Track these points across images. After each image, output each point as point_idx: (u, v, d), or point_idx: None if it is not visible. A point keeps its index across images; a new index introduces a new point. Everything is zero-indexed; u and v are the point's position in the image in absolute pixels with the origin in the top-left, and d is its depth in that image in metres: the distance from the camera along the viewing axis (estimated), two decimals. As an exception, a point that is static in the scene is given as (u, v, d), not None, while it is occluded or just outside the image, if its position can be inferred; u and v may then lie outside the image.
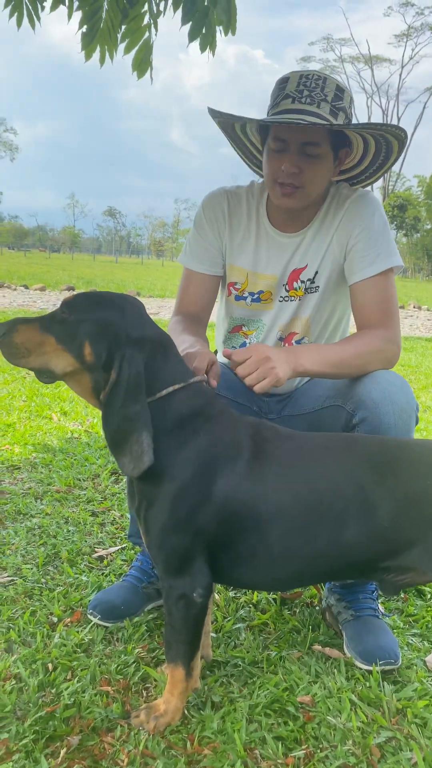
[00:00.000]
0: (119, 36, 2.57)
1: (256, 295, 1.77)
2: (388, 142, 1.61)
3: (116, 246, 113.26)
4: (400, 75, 60.66)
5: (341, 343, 1.61)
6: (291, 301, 1.75)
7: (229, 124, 1.70)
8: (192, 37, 2.55)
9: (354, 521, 1.21)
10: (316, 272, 1.71)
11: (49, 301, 11.52)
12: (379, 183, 60.00)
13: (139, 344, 1.23)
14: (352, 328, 1.73)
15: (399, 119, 59.56)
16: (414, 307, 16.49)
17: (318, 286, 1.72)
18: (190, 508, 1.22)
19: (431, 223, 60.64)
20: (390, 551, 1.23)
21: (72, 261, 42.63)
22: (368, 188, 1.71)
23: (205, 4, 2.48)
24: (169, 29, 2.56)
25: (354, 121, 1.63)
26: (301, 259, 1.72)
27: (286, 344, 1.78)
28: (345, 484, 1.23)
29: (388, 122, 1.53)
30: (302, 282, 1.72)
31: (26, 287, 14.56)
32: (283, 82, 1.58)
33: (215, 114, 1.62)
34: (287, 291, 1.75)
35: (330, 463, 1.27)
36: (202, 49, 2.56)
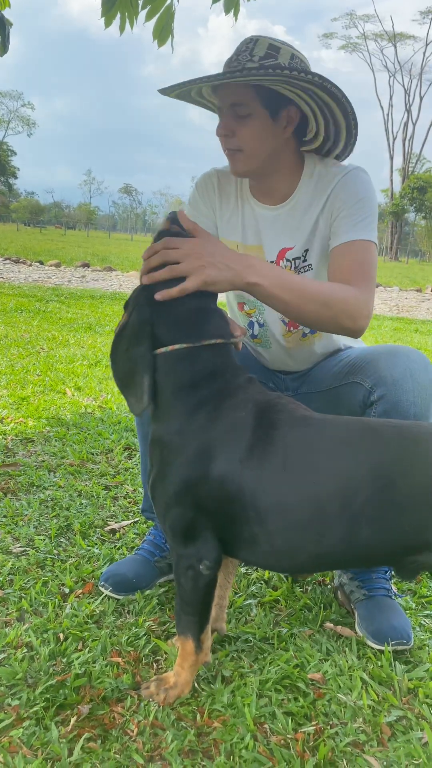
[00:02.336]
0: (140, 2, 2.51)
1: None
2: (329, 106, 1.50)
3: (132, 224, 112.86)
4: (424, 53, 59.35)
5: (302, 277, 1.53)
6: None
7: (188, 95, 1.65)
8: None
9: (370, 522, 1.12)
10: (307, 250, 1.66)
11: (63, 278, 11.52)
12: (399, 164, 59.10)
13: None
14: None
15: (422, 98, 58.45)
16: (431, 291, 16.28)
17: (310, 264, 1.67)
18: (187, 483, 1.20)
19: (451, 206, 59.68)
20: (410, 550, 1.14)
21: (87, 238, 42.54)
22: (363, 168, 1.64)
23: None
24: (190, 4, 2.49)
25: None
26: (287, 237, 1.66)
27: (292, 327, 1.74)
28: (361, 483, 1.12)
29: (318, 73, 1.39)
30: (288, 261, 1.67)
31: (41, 263, 14.55)
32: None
33: (166, 91, 1.56)
34: None
35: (344, 459, 1.16)
36: (227, 10, 2.49)
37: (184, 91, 1.60)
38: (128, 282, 11.83)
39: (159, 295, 1.26)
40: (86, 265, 14.81)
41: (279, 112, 1.53)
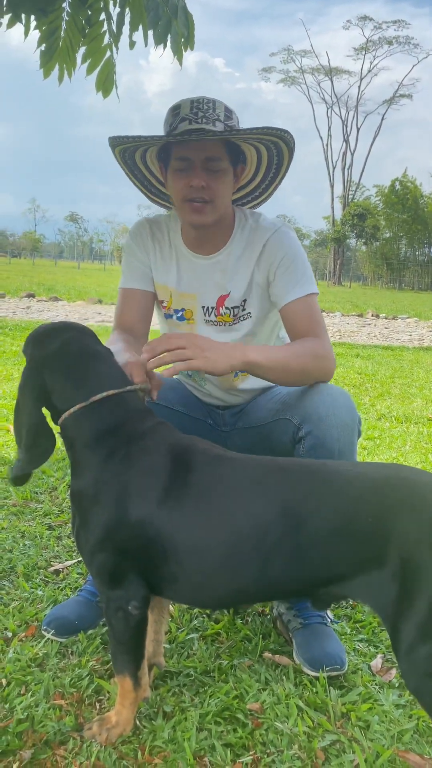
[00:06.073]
0: (78, 56, 2.59)
1: (180, 313, 1.86)
2: (279, 150, 1.71)
3: (78, 251, 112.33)
4: (359, 87, 61.79)
5: (281, 346, 1.69)
6: (219, 325, 1.82)
7: (131, 153, 1.75)
8: (158, 41, 2.55)
9: (283, 558, 1.19)
10: (245, 300, 1.78)
11: (8, 309, 11.39)
12: (339, 192, 61.05)
13: (43, 357, 1.35)
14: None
15: (359, 129, 60.75)
16: (372, 315, 16.80)
17: (249, 313, 1.80)
18: (108, 530, 1.26)
19: (390, 232, 61.93)
20: (322, 582, 1.21)
21: (33, 266, 42.12)
22: (289, 225, 1.80)
23: (167, 12, 2.51)
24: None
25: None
26: (223, 285, 1.79)
27: None
28: (273, 521, 1.20)
29: (280, 127, 1.61)
30: (228, 309, 1.80)
31: (-15, 294, 14.31)
32: (176, 108, 1.68)
33: (118, 141, 1.67)
34: (215, 316, 1.82)
35: (256, 498, 1.23)
36: (175, 52, 2.57)
37: (130, 148, 1.70)
38: (74, 312, 11.79)
39: (167, 372, 1.43)
40: (31, 296, 14.65)
41: (236, 168, 1.71)
